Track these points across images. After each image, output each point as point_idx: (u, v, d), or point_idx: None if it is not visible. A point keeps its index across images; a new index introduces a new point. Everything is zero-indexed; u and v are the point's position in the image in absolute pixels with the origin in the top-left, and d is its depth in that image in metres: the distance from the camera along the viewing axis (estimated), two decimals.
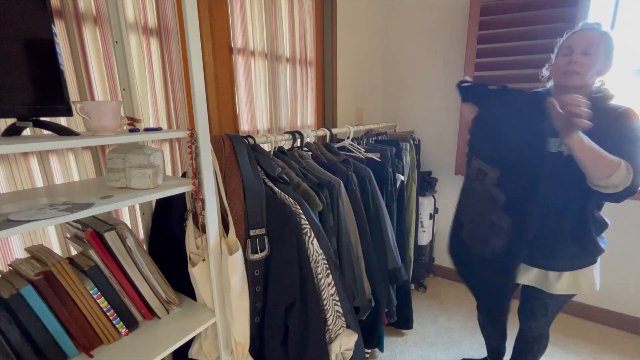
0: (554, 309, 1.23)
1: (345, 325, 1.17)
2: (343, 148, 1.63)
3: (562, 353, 1.77)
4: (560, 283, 1.14)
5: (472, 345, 1.82)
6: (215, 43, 1.36)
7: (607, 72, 1.07)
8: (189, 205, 0.97)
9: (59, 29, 0.90)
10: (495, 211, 1.14)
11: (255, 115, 1.55)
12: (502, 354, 1.58)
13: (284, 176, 1.13)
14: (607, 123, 1.02)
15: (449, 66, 2.24)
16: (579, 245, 1.12)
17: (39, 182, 0.90)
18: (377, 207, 1.41)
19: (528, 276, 1.20)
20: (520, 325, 1.36)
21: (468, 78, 1.23)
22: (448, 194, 2.43)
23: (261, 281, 1.00)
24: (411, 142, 1.98)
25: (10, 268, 0.76)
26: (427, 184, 2.31)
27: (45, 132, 0.81)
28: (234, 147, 1.04)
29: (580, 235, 1.11)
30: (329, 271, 1.11)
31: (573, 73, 1.05)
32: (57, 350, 0.76)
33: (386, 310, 1.51)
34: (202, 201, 0.88)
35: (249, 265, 0.96)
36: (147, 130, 0.85)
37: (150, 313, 0.93)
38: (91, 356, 0.79)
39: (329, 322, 1.11)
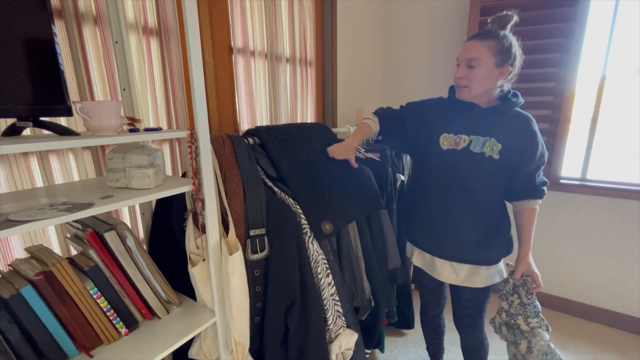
0: (485, 302, 1.22)
1: (345, 325, 1.17)
2: None
3: (562, 353, 1.76)
4: (489, 273, 1.15)
5: None
6: (215, 43, 1.35)
7: (508, 73, 1.04)
8: (189, 205, 0.97)
9: (59, 29, 0.90)
10: None
11: (255, 115, 1.55)
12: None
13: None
14: (515, 130, 1.04)
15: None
16: (499, 235, 1.15)
17: (39, 182, 0.90)
18: None
19: (458, 277, 1.17)
20: (461, 336, 1.33)
21: None
22: None
23: (261, 281, 1.00)
24: None
25: (10, 268, 0.76)
26: None
27: (45, 132, 0.81)
28: (234, 147, 1.04)
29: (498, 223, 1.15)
30: (329, 271, 1.11)
31: (461, 87, 1.07)
32: (57, 350, 0.76)
33: (386, 310, 1.50)
34: (202, 201, 0.88)
35: (249, 265, 0.96)
36: (147, 130, 0.85)
37: (150, 313, 0.93)
38: (91, 356, 0.79)
39: (329, 322, 1.11)
